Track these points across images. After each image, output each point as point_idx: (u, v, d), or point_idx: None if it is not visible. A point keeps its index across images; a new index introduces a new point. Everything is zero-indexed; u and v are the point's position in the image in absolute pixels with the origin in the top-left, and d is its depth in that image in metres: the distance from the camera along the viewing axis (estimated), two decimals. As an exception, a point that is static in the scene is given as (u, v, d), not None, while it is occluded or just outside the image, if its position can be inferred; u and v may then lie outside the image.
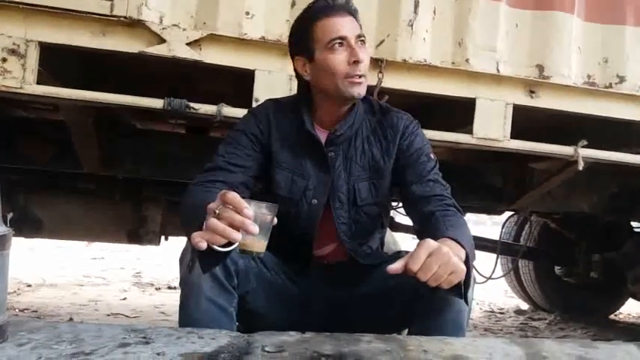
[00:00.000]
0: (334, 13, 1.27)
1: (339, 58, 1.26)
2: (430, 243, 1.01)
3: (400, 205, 2.55)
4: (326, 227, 1.34)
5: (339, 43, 1.26)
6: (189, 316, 1.16)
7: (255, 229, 0.98)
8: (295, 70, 1.35)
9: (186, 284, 1.18)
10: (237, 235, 0.97)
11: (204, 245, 0.97)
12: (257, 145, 1.32)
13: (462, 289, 1.05)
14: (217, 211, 0.98)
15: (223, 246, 1.01)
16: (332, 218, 1.33)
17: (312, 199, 1.32)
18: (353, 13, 1.30)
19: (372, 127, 1.36)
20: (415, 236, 3.15)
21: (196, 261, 1.12)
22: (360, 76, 1.26)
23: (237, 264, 1.20)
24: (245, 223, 0.96)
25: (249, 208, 0.97)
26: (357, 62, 1.25)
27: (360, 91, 1.28)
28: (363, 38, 1.29)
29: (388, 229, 1.90)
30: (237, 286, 1.21)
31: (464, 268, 1.02)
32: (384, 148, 1.34)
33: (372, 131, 1.36)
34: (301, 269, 1.36)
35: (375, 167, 1.34)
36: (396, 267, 1.02)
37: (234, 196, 0.97)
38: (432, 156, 1.35)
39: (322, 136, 1.34)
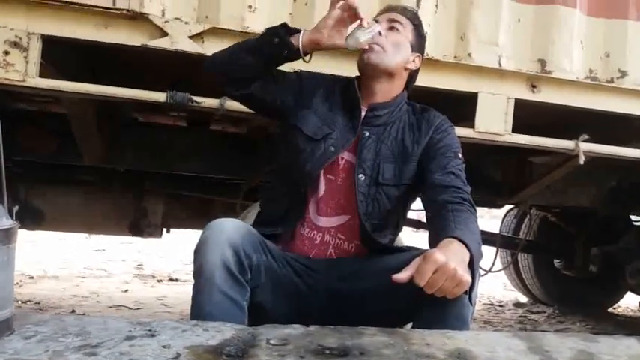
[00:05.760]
0: (390, 10, 1.47)
1: None
2: (437, 257, 1.02)
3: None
4: (344, 196, 1.38)
5: None
6: (201, 308, 1.17)
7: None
8: None
9: (200, 276, 1.18)
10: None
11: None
12: (295, 93, 1.43)
13: (466, 290, 1.07)
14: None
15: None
16: (352, 191, 1.36)
17: (330, 147, 1.37)
18: (408, 15, 1.46)
19: (409, 122, 1.44)
20: (415, 229, 3.16)
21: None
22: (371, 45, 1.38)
23: (250, 259, 1.22)
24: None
25: None
26: None
27: (367, 54, 1.40)
28: (393, 24, 1.43)
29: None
30: (249, 280, 1.22)
31: (469, 279, 1.04)
32: (415, 137, 1.41)
33: (408, 125, 1.43)
34: (307, 264, 1.36)
35: (403, 152, 1.39)
36: (401, 277, 1.05)
37: None
38: (460, 156, 1.39)
39: (362, 108, 1.43)
